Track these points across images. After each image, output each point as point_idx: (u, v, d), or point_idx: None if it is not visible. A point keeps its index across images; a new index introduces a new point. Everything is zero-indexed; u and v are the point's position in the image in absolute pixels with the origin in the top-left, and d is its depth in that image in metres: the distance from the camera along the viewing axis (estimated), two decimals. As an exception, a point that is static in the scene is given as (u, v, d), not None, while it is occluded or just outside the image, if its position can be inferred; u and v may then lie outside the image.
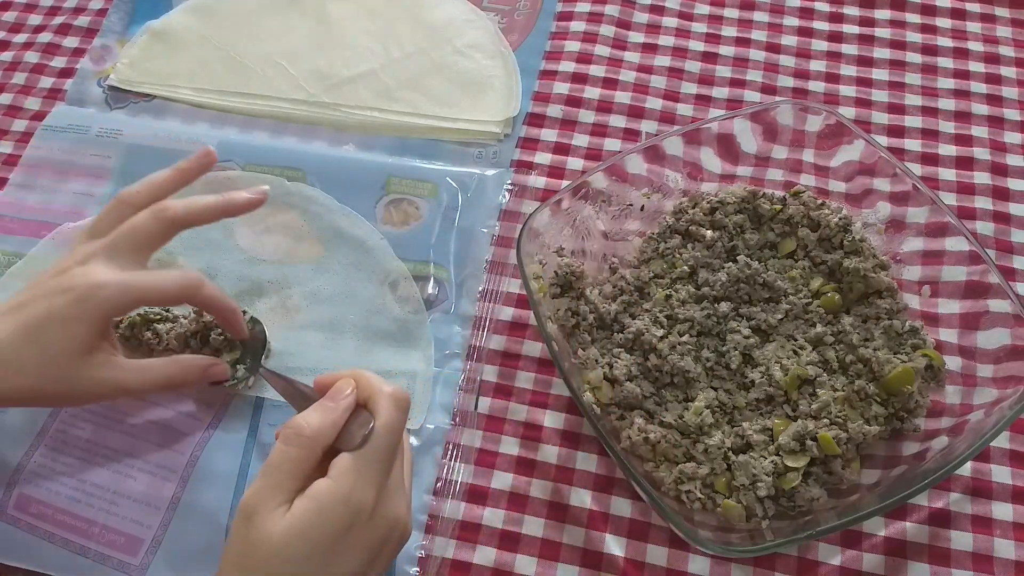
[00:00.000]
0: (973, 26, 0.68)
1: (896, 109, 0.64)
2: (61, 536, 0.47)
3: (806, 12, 0.70)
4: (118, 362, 0.45)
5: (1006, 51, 0.67)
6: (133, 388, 0.45)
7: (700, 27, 0.69)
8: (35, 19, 0.72)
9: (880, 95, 0.65)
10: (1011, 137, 0.62)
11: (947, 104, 0.64)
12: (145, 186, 0.48)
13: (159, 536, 0.47)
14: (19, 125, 0.65)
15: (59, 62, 0.69)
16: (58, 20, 0.71)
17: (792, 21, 0.69)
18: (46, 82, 0.68)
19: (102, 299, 0.43)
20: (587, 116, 0.64)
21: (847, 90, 0.65)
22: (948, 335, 0.52)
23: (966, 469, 0.50)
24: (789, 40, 0.68)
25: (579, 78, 0.66)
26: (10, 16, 0.72)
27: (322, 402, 0.40)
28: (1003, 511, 0.48)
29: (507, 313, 0.56)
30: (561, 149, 0.63)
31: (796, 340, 0.52)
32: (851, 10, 0.70)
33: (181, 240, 0.57)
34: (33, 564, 0.47)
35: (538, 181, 0.61)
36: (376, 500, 0.39)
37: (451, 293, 0.56)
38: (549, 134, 0.64)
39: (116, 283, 0.43)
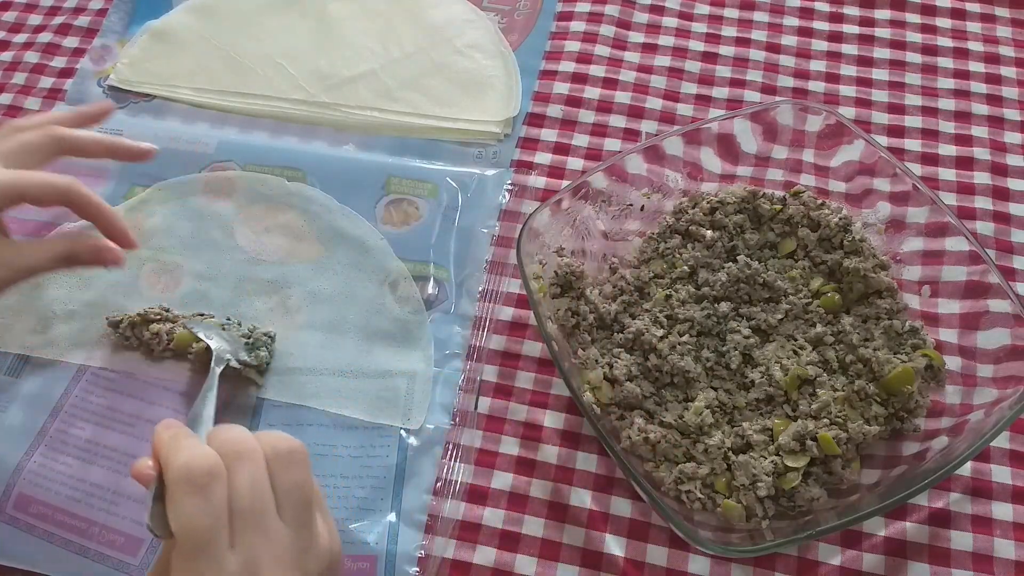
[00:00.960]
0: (973, 26, 0.68)
1: (896, 109, 0.64)
2: (60, 536, 0.47)
3: (806, 12, 0.70)
4: (10, 242, 0.47)
5: (1006, 51, 0.67)
6: (31, 266, 0.46)
7: (700, 27, 0.69)
8: (35, 19, 0.72)
9: (880, 95, 0.65)
10: (1011, 137, 0.62)
11: (947, 104, 0.64)
12: (39, 118, 0.51)
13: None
14: (19, 125, 0.65)
15: (59, 62, 0.69)
16: (58, 20, 0.71)
17: (792, 21, 0.69)
18: (46, 82, 0.68)
19: None
20: (587, 116, 0.64)
21: (847, 90, 0.65)
22: (948, 335, 0.52)
23: (966, 469, 0.50)
24: (789, 40, 0.68)
25: (579, 78, 0.66)
26: (10, 16, 0.72)
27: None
28: (1003, 511, 0.48)
29: (507, 313, 0.56)
30: (561, 149, 0.63)
31: (796, 340, 0.52)
32: (851, 10, 0.70)
33: (180, 240, 0.57)
34: (32, 565, 0.47)
35: (538, 181, 0.61)
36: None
37: (451, 293, 0.56)
38: (549, 134, 0.64)
39: (3, 173, 0.45)
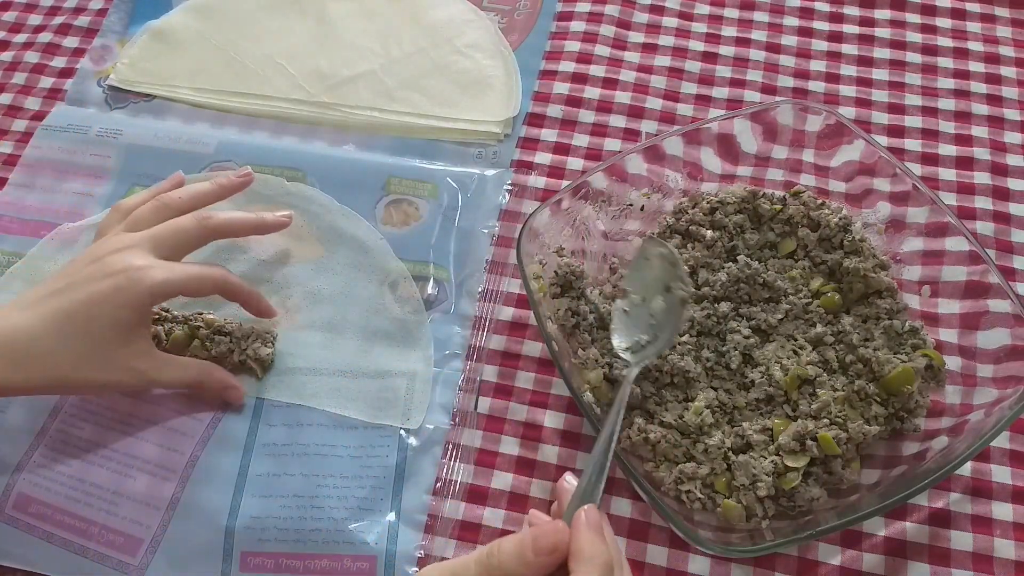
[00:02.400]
0: (973, 26, 0.68)
1: (896, 109, 0.64)
2: (60, 536, 0.47)
3: (806, 12, 0.70)
4: (153, 352, 0.47)
5: (1006, 51, 0.67)
6: (162, 381, 0.48)
7: (700, 27, 0.69)
8: (35, 19, 0.72)
9: (880, 95, 0.65)
10: (1011, 137, 0.62)
11: (947, 104, 0.64)
12: (188, 193, 0.52)
13: (158, 536, 0.47)
14: (19, 125, 0.65)
15: (59, 62, 0.69)
16: (58, 20, 0.71)
17: (792, 21, 0.69)
18: (46, 82, 0.68)
19: (148, 284, 0.45)
20: (587, 116, 0.64)
21: (847, 90, 0.65)
22: (948, 335, 0.52)
23: (966, 469, 0.50)
24: (789, 40, 0.68)
25: (579, 78, 0.66)
26: (10, 16, 0.72)
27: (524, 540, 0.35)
28: (1003, 511, 0.48)
29: (507, 313, 0.56)
30: (561, 149, 0.63)
31: (796, 340, 0.52)
32: (851, 10, 0.70)
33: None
34: (31, 565, 0.47)
35: (538, 181, 0.61)
36: None
37: (451, 293, 0.56)
38: (549, 134, 0.64)
39: (162, 267, 0.46)
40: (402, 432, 0.50)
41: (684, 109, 0.65)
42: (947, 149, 0.62)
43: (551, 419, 0.52)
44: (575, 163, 0.62)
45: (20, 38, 0.71)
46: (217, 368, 0.51)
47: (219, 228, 0.51)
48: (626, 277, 0.52)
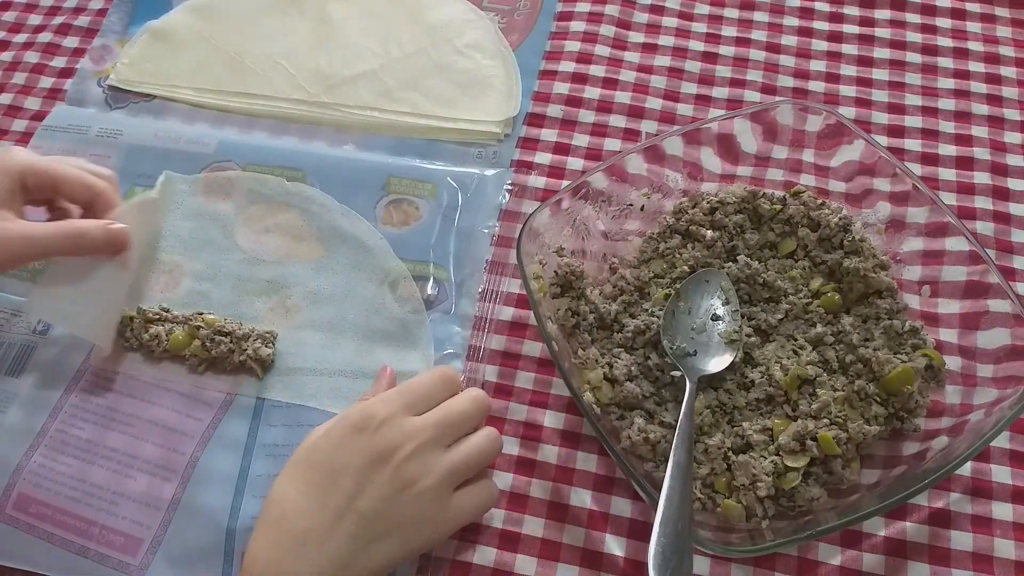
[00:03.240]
0: (973, 26, 0.68)
1: (896, 109, 0.64)
2: (60, 536, 0.47)
3: (806, 12, 0.70)
4: (20, 222, 0.49)
5: (1006, 51, 0.67)
6: (37, 240, 0.48)
7: (700, 27, 0.69)
8: (35, 19, 0.72)
9: (880, 95, 0.65)
10: (1011, 137, 0.62)
11: (947, 104, 0.64)
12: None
13: (159, 536, 0.47)
14: (19, 125, 0.65)
15: (59, 62, 0.69)
16: (58, 20, 0.71)
17: (792, 21, 0.69)
18: (46, 82, 0.68)
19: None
20: (587, 116, 0.64)
21: (847, 90, 0.65)
22: (948, 335, 0.52)
23: (966, 469, 0.50)
24: (789, 40, 0.68)
25: (579, 78, 0.66)
26: (10, 16, 0.72)
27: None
28: (1003, 511, 0.48)
29: (507, 313, 0.56)
30: (561, 149, 0.63)
31: (796, 340, 0.52)
32: (851, 10, 0.70)
33: (180, 240, 0.57)
34: (32, 565, 0.47)
35: (538, 181, 0.61)
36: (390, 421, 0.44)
37: (451, 293, 0.56)
38: (549, 134, 0.64)
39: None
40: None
41: (684, 109, 0.65)
42: (947, 149, 0.62)
43: (551, 419, 0.52)
44: (575, 163, 0.62)
45: (20, 38, 0.71)
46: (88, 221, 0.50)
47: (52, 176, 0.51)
48: (683, 284, 0.53)
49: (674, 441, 0.46)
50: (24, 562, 0.47)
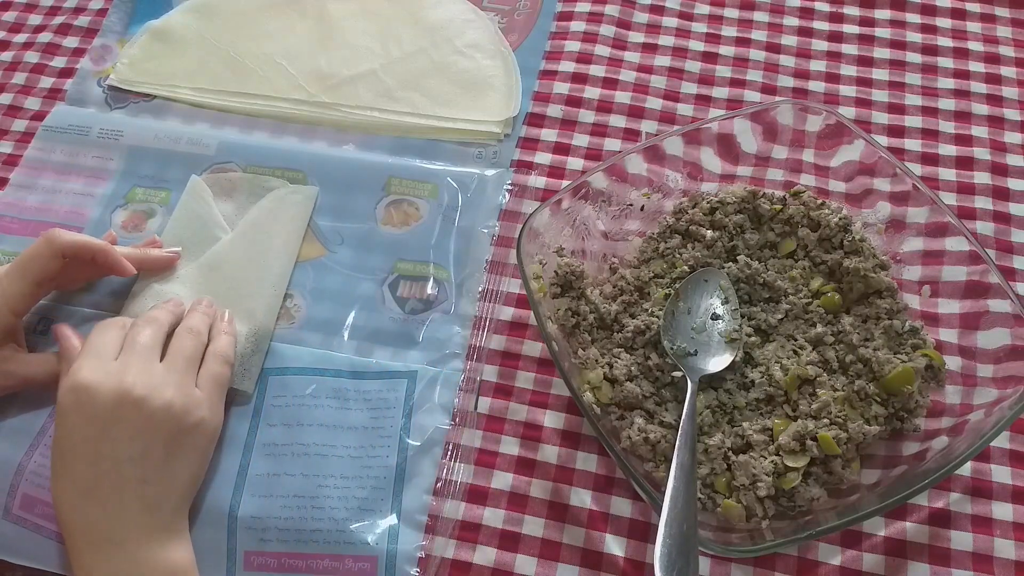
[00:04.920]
0: (973, 26, 0.68)
1: (896, 109, 0.64)
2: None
3: (806, 12, 0.70)
4: (19, 355, 0.50)
5: (1006, 51, 0.67)
6: (33, 376, 0.50)
7: (700, 27, 0.69)
8: (35, 19, 0.72)
9: (880, 95, 0.65)
10: (1011, 137, 0.62)
11: (947, 104, 0.64)
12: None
13: (159, 536, 0.47)
14: (19, 125, 0.65)
15: (59, 62, 0.69)
16: (58, 20, 0.71)
17: (792, 21, 0.69)
18: (46, 82, 0.68)
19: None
20: (587, 116, 0.64)
21: (847, 90, 0.65)
22: (948, 335, 0.52)
23: (966, 469, 0.50)
24: (789, 40, 0.68)
25: (579, 78, 0.66)
26: (10, 16, 0.72)
27: None
28: (1003, 511, 0.48)
29: (507, 313, 0.56)
30: (561, 149, 0.63)
31: (796, 340, 0.52)
32: (851, 10, 0.70)
33: (179, 241, 0.57)
34: (44, 563, 0.47)
35: (538, 181, 0.61)
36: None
37: (451, 293, 0.56)
38: (549, 134, 0.64)
39: (10, 285, 0.49)
40: (402, 432, 0.50)
41: (684, 109, 0.65)
42: (947, 149, 0.62)
43: (551, 419, 0.52)
44: (575, 163, 0.62)
45: (20, 38, 0.71)
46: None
47: (65, 245, 0.50)
48: (683, 284, 0.53)
49: (677, 442, 0.46)
50: (37, 560, 0.47)
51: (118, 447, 0.43)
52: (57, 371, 0.49)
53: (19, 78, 0.68)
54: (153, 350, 0.47)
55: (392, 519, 0.48)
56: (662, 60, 0.67)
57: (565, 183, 0.60)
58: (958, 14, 0.69)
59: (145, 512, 0.43)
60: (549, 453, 0.51)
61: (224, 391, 0.49)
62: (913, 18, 0.69)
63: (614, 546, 0.48)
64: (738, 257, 0.54)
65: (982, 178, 0.60)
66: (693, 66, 0.67)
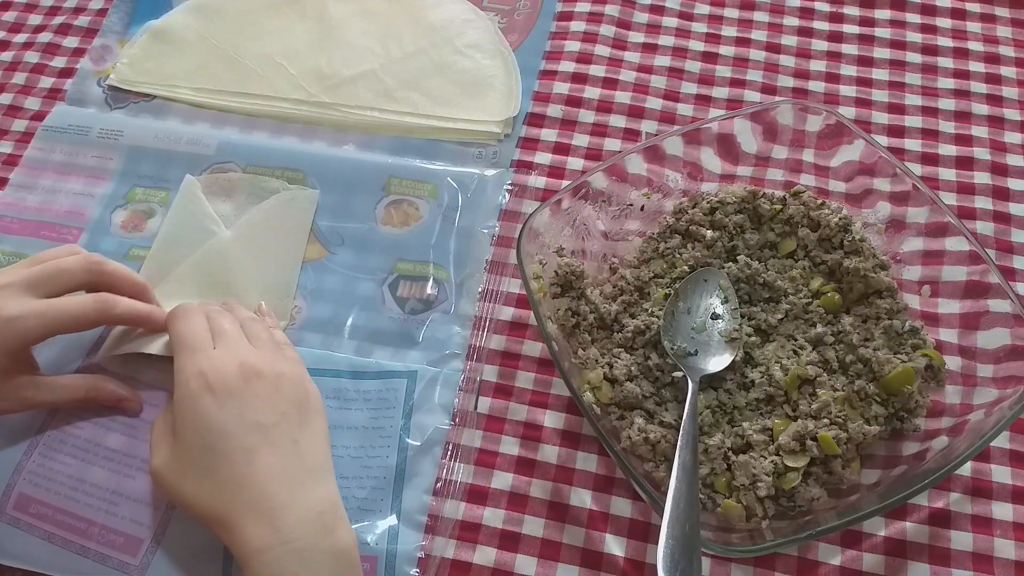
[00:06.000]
0: (973, 26, 0.68)
1: (896, 109, 0.64)
2: (61, 536, 0.47)
3: (806, 12, 0.70)
4: (38, 380, 0.48)
5: (1006, 51, 0.67)
6: (52, 403, 0.49)
7: (700, 27, 0.69)
8: (35, 19, 0.72)
9: (880, 95, 0.65)
10: (1011, 137, 0.62)
11: (947, 104, 0.64)
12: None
13: (158, 536, 0.47)
14: (19, 125, 0.65)
15: (59, 62, 0.69)
16: (58, 20, 0.71)
17: (792, 21, 0.69)
18: (46, 82, 0.68)
19: (20, 332, 0.45)
20: (587, 116, 0.64)
21: (847, 90, 0.65)
22: (948, 335, 0.52)
23: (966, 469, 0.50)
24: (789, 40, 0.68)
25: (579, 78, 0.66)
26: (10, 16, 0.72)
27: None
28: (1003, 511, 0.48)
29: (507, 313, 0.56)
30: (561, 149, 0.63)
31: (796, 340, 0.52)
32: (851, 10, 0.70)
33: (173, 240, 0.57)
34: (34, 565, 0.47)
35: (538, 181, 0.61)
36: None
37: (451, 293, 0.56)
38: (549, 134, 0.64)
39: (34, 313, 0.45)
40: (402, 432, 0.50)
41: (684, 109, 0.65)
42: (947, 149, 0.62)
43: (551, 419, 0.52)
44: (575, 163, 0.62)
45: (20, 38, 0.71)
46: (108, 380, 0.50)
47: (105, 274, 0.48)
48: (682, 284, 0.53)
49: (679, 442, 0.46)
50: (27, 562, 0.47)
51: (262, 415, 0.43)
52: (81, 397, 0.48)
53: (19, 78, 0.68)
54: (240, 335, 0.47)
55: (392, 519, 0.48)
56: (662, 60, 0.67)
57: (565, 183, 0.60)
58: (958, 14, 0.69)
59: (301, 470, 0.43)
60: (549, 453, 0.51)
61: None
62: (913, 18, 0.69)
63: (614, 546, 0.48)
64: (738, 257, 0.54)
65: (982, 178, 0.60)
66: (693, 66, 0.67)
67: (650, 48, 0.68)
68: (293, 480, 0.42)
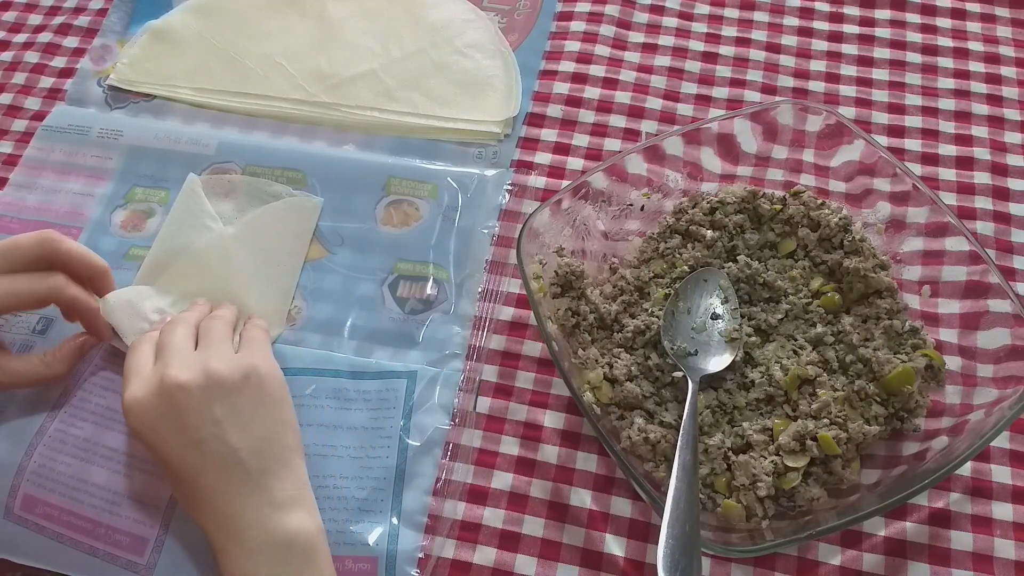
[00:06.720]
0: (973, 26, 0.68)
1: (896, 109, 0.64)
2: (69, 536, 0.47)
3: (806, 12, 0.70)
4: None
5: (1006, 51, 0.67)
6: (14, 381, 0.49)
7: (700, 27, 0.69)
8: (35, 19, 0.72)
9: (880, 95, 0.65)
10: (1011, 137, 0.62)
11: (947, 104, 0.64)
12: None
13: (162, 536, 0.47)
14: (19, 125, 0.65)
15: (59, 62, 0.69)
16: (58, 20, 0.71)
17: (792, 21, 0.69)
18: (46, 82, 0.68)
19: None
20: (587, 116, 0.64)
21: (847, 90, 0.65)
22: (948, 335, 0.52)
23: (966, 469, 0.50)
24: (789, 40, 0.68)
25: (579, 78, 0.66)
26: (10, 16, 0.72)
27: None
28: (1003, 511, 0.48)
29: (507, 313, 0.56)
30: (561, 149, 0.63)
31: (796, 340, 0.52)
32: (851, 10, 0.70)
33: (173, 237, 0.57)
34: (48, 563, 0.47)
35: (538, 181, 0.61)
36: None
37: (451, 293, 0.56)
38: (549, 134, 0.64)
39: None
40: (402, 433, 0.50)
41: (684, 109, 0.65)
42: (947, 149, 0.62)
43: (551, 419, 0.52)
44: (575, 163, 0.62)
45: (20, 38, 0.71)
46: (71, 284, 0.49)
47: (59, 252, 0.48)
48: (682, 284, 0.53)
49: (679, 442, 0.46)
50: (40, 560, 0.47)
51: (193, 430, 0.43)
52: (42, 373, 0.49)
53: (19, 78, 0.68)
54: (185, 343, 0.47)
55: (392, 520, 0.48)
56: (662, 60, 0.67)
57: (565, 183, 0.60)
58: (958, 14, 0.69)
59: (246, 477, 0.43)
60: (549, 453, 0.51)
61: (267, 344, 0.49)
62: (913, 18, 0.69)
63: (614, 546, 0.48)
64: (738, 257, 0.54)
65: (982, 178, 0.60)
66: (693, 66, 0.67)
67: (650, 48, 0.68)
68: (236, 492, 0.43)
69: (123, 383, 0.46)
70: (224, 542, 0.42)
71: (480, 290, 0.56)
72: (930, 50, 0.67)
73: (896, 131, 0.63)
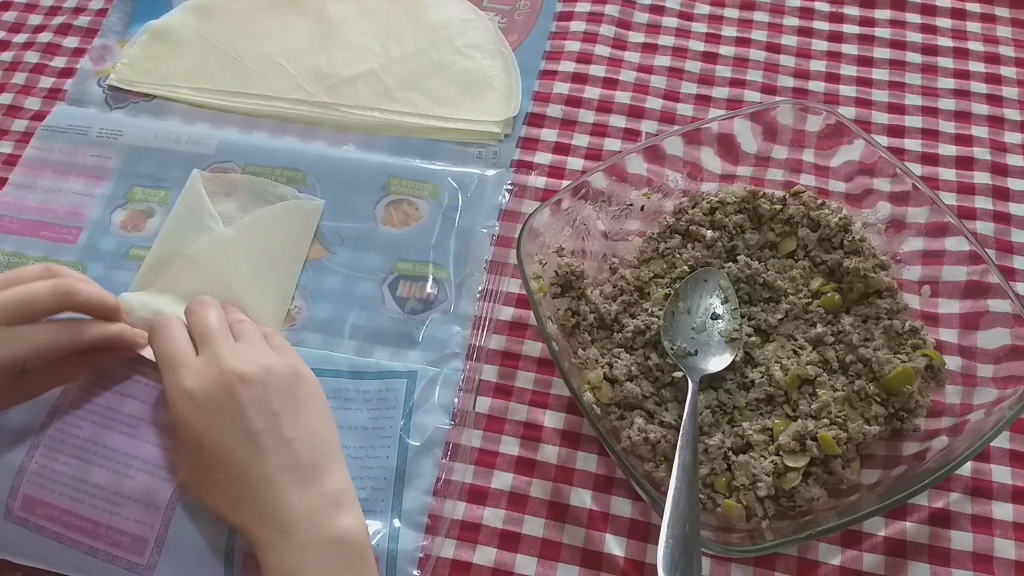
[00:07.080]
0: (973, 26, 0.68)
1: (896, 109, 0.64)
2: (69, 537, 0.47)
3: (806, 12, 0.70)
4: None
5: (1006, 51, 0.67)
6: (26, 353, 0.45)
7: (700, 27, 0.69)
8: (35, 19, 0.72)
9: (880, 95, 0.65)
10: (1011, 137, 0.62)
11: (947, 104, 0.64)
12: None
13: (162, 536, 0.47)
14: (19, 125, 0.65)
15: (59, 62, 0.69)
16: (58, 20, 0.71)
17: (792, 21, 0.69)
18: (46, 82, 0.68)
19: None
20: (587, 116, 0.64)
21: (847, 90, 0.65)
22: (948, 335, 0.52)
23: (966, 469, 0.50)
24: (789, 40, 0.68)
25: (579, 78, 0.66)
26: (10, 16, 0.72)
27: None
28: (1003, 511, 0.48)
29: (507, 313, 0.56)
30: (561, 149, 0.63)
31: (796, 340, 0.52)
32: (851, 10, 0.70)
33: (173, 234, 0.57)
34: (48, 564, 0.47)
35: (538, 181, 0.61)
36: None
37: (451, 293, 0.56)
38: (549, 134, 0.64)
39: (3, 345, 0.43)
40: (402, 433, 0.50)
41: (684, 109, 0.65)
42: (947, 149, 0.62)
43: (551, 419, 0.52)
44: (575, 163, 0.62)
45: (20, 38, 0.71)
46: (89, 323, 0.47)
47: (76, 305, 0.46)
48: (682, 284, 0.53)
49: (679, 442, 0.46)
50: (40, 560, 0.47)
51: (251, 423, 0.43)
52: (59, 342, 0.46)
53: (19, 78, 0.68)
54: (227, 331, 0.47)
55: (392, 520, 0.48)
56: (662, 60, 0.67)
57: (565, 183, 0.60)
58: (958, 14, 0.69)
59: (298, 469, 0.43)
60: (549, 453, 0.51)
61: (293, 351, 0.50)
62: (913, 18, 0.69)
63: (614, 546, 0.48)
64: (738, 257, 0.54)
65: (982, 178, 0.60)
66: (693, 66, 0.67)
67: (650, 48, 0.68)
68: (289, 483, 0.43)
69: (162, 370, 0.45)
70: (271, 536, 0.42)
71: (480, 290, 0.56)
72: (930, 50, 0.67)
73: (896, 131, 0.63)
